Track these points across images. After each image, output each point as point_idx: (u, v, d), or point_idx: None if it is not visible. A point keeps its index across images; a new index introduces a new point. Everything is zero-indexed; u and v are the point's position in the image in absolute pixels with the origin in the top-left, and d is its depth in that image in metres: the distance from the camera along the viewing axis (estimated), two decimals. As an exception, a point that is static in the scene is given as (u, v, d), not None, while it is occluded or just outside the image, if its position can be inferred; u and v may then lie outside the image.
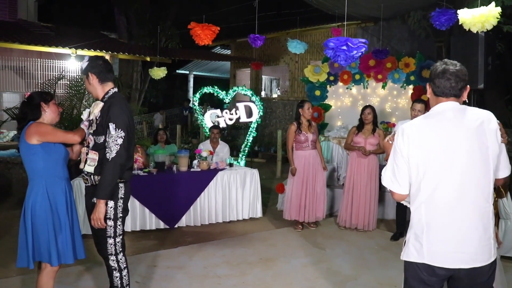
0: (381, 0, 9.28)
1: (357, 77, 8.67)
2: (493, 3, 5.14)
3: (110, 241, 3.34)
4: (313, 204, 6.48)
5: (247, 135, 8.16)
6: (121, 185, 3.34)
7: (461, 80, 2.40)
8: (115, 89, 3.44)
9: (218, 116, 8.26)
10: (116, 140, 3.19)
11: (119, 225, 3.36)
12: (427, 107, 5.88)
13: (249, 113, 8.19)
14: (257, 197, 7.04)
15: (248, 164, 7.88)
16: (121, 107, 3.28)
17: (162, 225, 6.28)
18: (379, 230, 6.55)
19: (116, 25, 18.50)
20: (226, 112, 8.20)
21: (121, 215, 3.35)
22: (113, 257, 3.37)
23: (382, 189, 7.11)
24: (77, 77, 10.01)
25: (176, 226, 6.40)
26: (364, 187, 6.43)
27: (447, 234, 2.29)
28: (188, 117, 18.64)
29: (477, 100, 12.92)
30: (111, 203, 3.28)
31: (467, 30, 5.33)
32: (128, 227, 6.01)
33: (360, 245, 5.89)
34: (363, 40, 4.85)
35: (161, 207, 6.23)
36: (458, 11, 5.32)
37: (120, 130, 3.20)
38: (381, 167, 7.14)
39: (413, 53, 8.75)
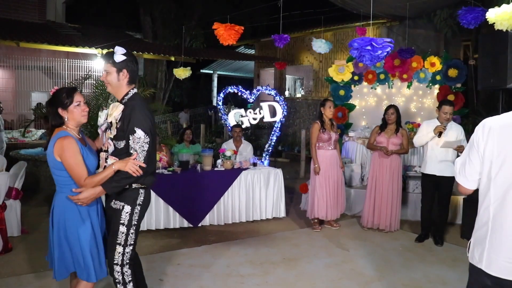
0: (407, -1, 9.18)
1: (382, 76, 8.59)
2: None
3: (119, 249, 3.13)
4: (337, 202, 6.49)
5: (271, 135, 8.16)
6: (141, 191, 3.17)
7: None
8: (135, 90, 3.25)
9: (242, 116, 8.28)
10: (143, 146, 3.04)
11: (132, 234, 3.15)
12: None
13: (273, 113, 8.19)
14: (280, 197, 7.03)
15: (272, 164, 7.88)
16: (144, 111, 3.12)
17: (185, 223, 6.34)
18: (403, 231, 6.48)
19: (141, 25, 18.75)
20: (250, 112, 8.22)
21: (135, 223, 3.16)
22: (118, 268, 3.15)
23: (405, 189, 7.04)
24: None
25: (199, 225, 6.44)
26: (387, 187, 6.37)
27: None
28: (212, 116, 18.74)
29: (506, 100, 12.66)
30: (127, 208, 3.11)
31: (495, 28, 5.23)
32: (152, 225, 6.09)
33: (384, 246, 5.83)
34: (388, 40, 4.80)
35: (185, 206, 6.28)
36: (488, 11, 5.22)
37: (146, 135, 3.05)
38: (405, 167, 7.08)
39: (439, 52, 8.63)
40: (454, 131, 5.77)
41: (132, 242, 3.18)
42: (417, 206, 6.81)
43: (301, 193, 7.66)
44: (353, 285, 4.55)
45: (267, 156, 8.05)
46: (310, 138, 6.47)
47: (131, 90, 3.21)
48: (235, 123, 8.11)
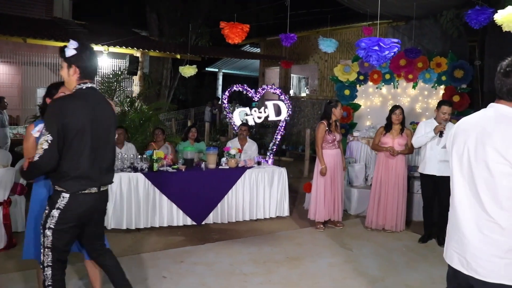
0: (414, -1, 9.16)
1: (387, 76, 8.58)
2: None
3: (41, 249, 2.99)
4: (338, 202, 6.49)
5: (275, 134, 8.15)
6: (64, 195, 2.92)
7: None
8: (89, 85, 3.02)
9: (247, 114, 8.27)
10: (42, 144, 2.81)
11: (48, 237, 2.93)
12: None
13: (278, 112, 8.18)
14: (284, 196, 7.04)
15: (276, 163, 7.88)
16: (59, 106, 2.88)
17: (189, 221, 6.35)
18: (407, 232, 6.47)
19: (147, 23, 18.79)
20: (255, 110, 8.21)
21: (52, 226, 2.91)
22: (42, 268, 3.01)
23: (410, 190, 7.03)
24: (109, 73, 10.18)
25: (203, 223, 6.46)
26: (392, 187, 6.36)
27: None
28: (216, 114, 18.76)
29: None
30: (46, 209, 2.96)
31: (503, 29, 5.21)
32: (155, 223, 6.11)
33: (388, 246, 5.83)
34: (396, 40, 4.79)
35: (189, 204, 6.30)
36: (497, 12, 5.21)
37: (48, 133, 2.80)
38: (410, 167, 7.06)
39: (445, 53, 8.61)
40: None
41: (50, 246, 2.95)
42: (420, 206, 6.79)
43: (304, 192, 7.66)
44: (356, 285, 4.55)
45: (271, 155, 8.04)
46: (316, 138, 6.45)
47: (81, 85, 2.99)
48: (240, 121, 8.11)
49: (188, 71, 11.84)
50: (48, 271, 2.98)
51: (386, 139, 6.41)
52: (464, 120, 2.38)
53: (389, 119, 6.46)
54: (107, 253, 3.35)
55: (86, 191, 2.97)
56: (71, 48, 2.96)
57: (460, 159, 2.28)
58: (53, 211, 2.91)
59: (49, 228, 2.92)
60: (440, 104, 5.83)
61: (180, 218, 6.29)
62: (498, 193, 2.11)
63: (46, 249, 2.95)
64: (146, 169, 6.14)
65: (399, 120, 6.37)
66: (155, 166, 6.15)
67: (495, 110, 2.21)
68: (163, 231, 6.09)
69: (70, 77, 3.00)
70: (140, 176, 5.99)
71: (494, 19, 5.24)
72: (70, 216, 2.94)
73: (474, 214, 2.19)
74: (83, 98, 2.96)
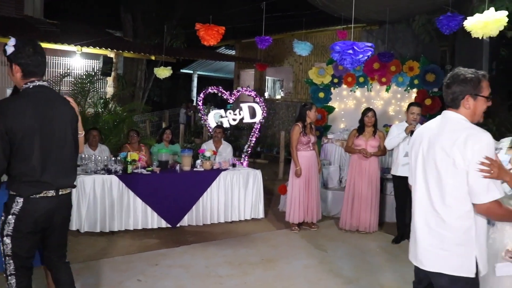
0: (388, 4, 9.29)
1: (361, 79, 8.69)
2: (501, 10, 5.17)
3: (3, 258, 2.86)
4: (313, 204, 6.54)
5: (250, 136, 8.17)
6: (18, 199, 2.79)
7: None
8: (36, 83, 2.88)
9: (221, 116, 8.27)
10: None
11: (7, 244, 2.81)
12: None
13: (253, 114, 8.21)
14: (259, 198, 7.06)
15: (251, 165, 7.90)
16: (0, 109, 2.73)
17: (164, 224, 6.30)
18: (381, 233, 6.56)
19: (122, 23, 18.57)
20: (229, 113, 8.22)
21: (9, 233, 2.79)
22: (5, 277, 2.88)
23: (383, 191, 7.13)
24: (82, 74, 10.04)
25: (178, 225, 6.42)
26: (365, 189, 6.45)
27: None
28: (191, 116, 18.68)
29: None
30: (3, 216, 2.83)
31: (472, 35, 5.35)
32: (130, 226, 6.05)
33: (362, 247, 5.90)
34: (369, 44, 4.86)
35: (164, 206, 6.25)
36: (466, 18, 5.34)
37: None
38: (383, 169, 7.17)
39: (417, 57, 8.76)
40: None
41: (10, 253, 2.83)
42: (393, 208, 6.89)
43: (279, 194, 7.69)
44: (331, 286, 4.59)
45: (246, 157, 8.06)
46: (291, 140, 6.49)
47: (28, 84, 2.86)
48: (215, 123, 8.10)
49: (163, 72, 11.75)
50: (12, 280, 2.85)
51: (359, 141, 6.50)
52: (422, 125, 2.69)
53: (361, 121, 6.55)
54: (64, 267, 3.17)
55: (41, 195, 2.82)
56: (10, 46, 2.83)
57: (417, 160, 2.56)
58: (8, 217, 2.79)
59: (7, 235, 2.80)
60: (409, 105, 6.01)
61: (154, 220, 6.24)
62: (443, 189, 2.38)
63: (7, 257, 2.83)
64: (120, 171, 6.08)
65: (371, 123, 6.47)
66: (129, 168, 6.09)
67: (444, 115, 2.53)
68: (138, 234, 6.03)
69: (15, 76, 2.87)
70: (114, 178, 5.92)
71: (464, 25, 5.37)
72: (26, 222, 2.80)
73: (424, 209, 2.48)
74: (29, 97, 2.82)
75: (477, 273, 2.35)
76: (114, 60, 13.34)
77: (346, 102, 9.00)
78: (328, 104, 9.02)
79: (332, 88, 9.02)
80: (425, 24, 11.98)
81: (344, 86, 8.93)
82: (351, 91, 8.92)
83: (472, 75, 2.46)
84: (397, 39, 13.59)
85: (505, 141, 2.76)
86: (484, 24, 5.03)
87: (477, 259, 2.34)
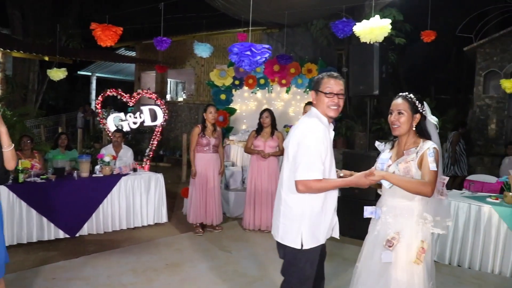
0: (285, 8, 9.56)
1: (262, 81, 8.86)
2: (386, 19, 5.53)
3: None
4: (214, 206, 6.55)
5: (152, 139, 8.01)
6: None
7: None
8: None
9: (121, 120, 8.02)
10: None
11: None
12: None
13: (154, 117, 8.05)
14: (162, 202, 6.95)
15: (153, 169, 7.74)
16: None
17: (62, 234, 5.97)
18: (284, 231, 6.71)
19: (9, 19, 17.21)
20: (130, 116, 7.99)
21: None
22: None
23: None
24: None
25: (77, 234, 6.11)
26: (266, 189, 6.59)
27: None
28: (90, 120, 17.93)
29: (374, 106, 13.72)
30: None
31: (361, 40, 5.67)
32: (23, 239, 5.64)
33: (265, 246, 6.00)
34: (267, 46, 4.96)
35: (61, 216, 5.92)
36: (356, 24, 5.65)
37: None
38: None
39: (316, 60, 9.11)
40: None
41: None
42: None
43: (183, 197, 7.63)
44: (236, 286, 4.63)
45: (148, 161, 7.89)
46: (190, 142, 6.53)
47: None
48: (115, 127, 7.83)
49: (57, 74, 11.15)
50: None
51: (257, 142, 6.64)
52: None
53: (259, 122, 6.70)
54: None
55: None
56: None
57: (286, 153, 2.93)
58: None
59: None
60: (306, 104, 6.32)
61: (51, 231, 5.88)
62: (284, 172, 2.90)
63: None
64: (11, 181, 5.66)
65: (267, 123, 6.63)
66: (21, 177, 5.69)
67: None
68: (32, 247, 5.65)
69: None
70: (3, 189, 5.48)
71: (354, 31, 5.69)
72: None
73: (278, 190, 3.01)
74: None
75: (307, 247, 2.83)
76: (1, 60, 12.42)
77: (248, 104, 9.13)
78: (230, 106, 9.10)
79: (233, 90, 9.10)
80: (323, 29, 12.53)
81: (245, 87, 9.05)
82: (252, 92, 9.07)
83: (320, 75, 2.93)
84: (296, 42, 14.04)
85: (388, 144, 3.06)
86: (370, 30, 5.37)
87: (302, 234, 2.82)
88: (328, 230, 2.96)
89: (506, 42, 12.51)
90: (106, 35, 7.14)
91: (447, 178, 2.91)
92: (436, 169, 2.68)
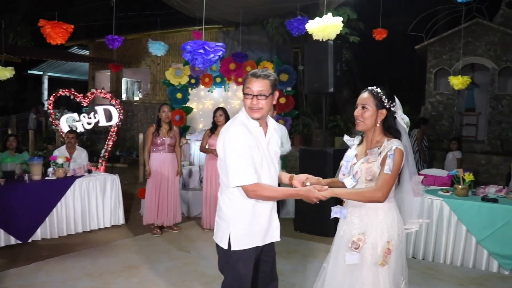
0: (240, 6, 9.56)
1: (218, 80, 8.84)
2: (338, 17, 5.61)
3: None
4: (171, 207, 6.50)
5: (107, 140, 7.86)
6: None
7: None
8: None
9: (75, 120, 7.83)
10: None
11: None
12: None
13: (109, 117, 7.90)
14: (118, 204, 6.83)
15: (109, 170, 7.60)
16: None
17: (13, 240, 5.76)
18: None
19: None
20: (84, 116, 7.81)
21: None
22: None
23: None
24: None
25: (30, 240, 5.92)
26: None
27: None
28: (42, 121, 17.41)
29: (330, 103, 13.92)
30: None
31: (314, 37, 5.74)
32: (-29, 246, 5.43)
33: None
34: (220, 44, 4.93)
35: (11, 221, 5.70)
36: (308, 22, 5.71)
37: None
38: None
39: (272, 58, 9.16)
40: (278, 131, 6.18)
41: None
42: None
43: (140, 198, 7.51)
44: (195, 286, 4.60)
45: (104, 162, 7.73)
46: (144, 142, 6.45)
47: None
48: (68, 128, 7.64)
49: (3, 73, 10.70)
50: None
51: (212, 141, 6.62)
52: None
53: (213, 121, 6.69)
54: None
55: None
56: None
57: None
58: None
59: None
60: None
61: (1, 237, 5.66)
62: (220, 174, 2.83)
63: None
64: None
65: (221, 122, 6.63)
66: (-33, 181, 5.47)
67: None
68: (-19, 254, 5.45)
69: None
70: None
71: (306, 28, 5.74)
72: None
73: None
74: None
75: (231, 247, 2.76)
76: None
77: (204, 103, 9.09)
78: (186, 105, 9.03)
79: (190, 89, 9.04)
80: (278, 27, 12.60)
81: (201, 86, 9.01)
82: (208, 91, 9.04)
83: (247, 74, 2.77)
84: (252, 40, 14.07)
85: (356, 139, 2.94)
86: (323, 27, 5.44)
87: (230, 235, 2.75)
88: (265, 233, 2.83)
89: (453, 41, 12.94)
90: (56, 33, 6.91)
91: (421, 177, 2.86)
92: (390, 173, 2.59)
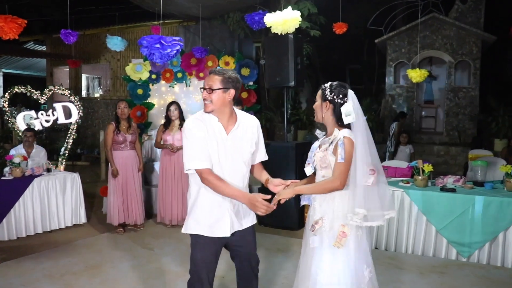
0: (199, 0, 9.50)
1: (179, 75, 8.75)
2: (297, 10, 5.64)
3: None
4: (135, 205, 6.42)
5: (67, 137, 7.68)
6: None
7: None
8: None
9: (33, 118, 7.61)
10: None
11: None
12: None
13: (68, 114, 7.72)
14: (79, 202, 6.71)
15: (70, 168, 7.44)
16: None
17: (-32, 243, 5.60)
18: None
19: None
20: (42, 114, 7.60)
21: None
22: None
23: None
24: None
25: (-14, 242, 5.76)
26: (177, 183, 6.55)
27: None
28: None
29: (292, 96, 14.01)
30: None
31: (272, 31, 5.76)
32: None
33: (187, 241, 5.90)
34: (178, 38, 4.89)
35: (-34, 223, 5.54)
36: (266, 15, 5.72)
37: None
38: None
39: (234, 52, 9.14)
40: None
41: None
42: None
43: (102, 196, 7.40)
44: (159, 284, 4.57)
45: (64, 160, 7.56)
46: (105, 140, 6.32)
47: None
48: (25, 126, 7.42)
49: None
50: None
51: (166, 136, 6.60)
52: None
53: (166, 115, 6.64)
54: None
55: None
56: None
57: None
58: None
59: None
60: None
61: (-45, 241, 5.50)
62: None
63: None
64: None
65: (175, 116, 6.59)
66: None
67: None
68: None
69: None
70: None
71: (265, 21, 5.75)
72: None
73: None
74: None
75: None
76: None
77: (166, 98, 8.98)
78: (148, 101, 8.91)
79: (150, 84, 8.92)
80: (239, 21, 12.58)
81: (162, 82, 8.90)
82: (170, 86, 8.94)
83: None
84: (214, 35, 14.01)
85: (321, 133, 3.13)
86: (283, 21, 5.46)
87: (188, 219, 2.96)
88: (211, 225, 2.91)
89: (412, 35, 13.25)
90: (9, 27, 6.68)
91: (378, 166, 2.92)
92: (343, 161, 2.72)
